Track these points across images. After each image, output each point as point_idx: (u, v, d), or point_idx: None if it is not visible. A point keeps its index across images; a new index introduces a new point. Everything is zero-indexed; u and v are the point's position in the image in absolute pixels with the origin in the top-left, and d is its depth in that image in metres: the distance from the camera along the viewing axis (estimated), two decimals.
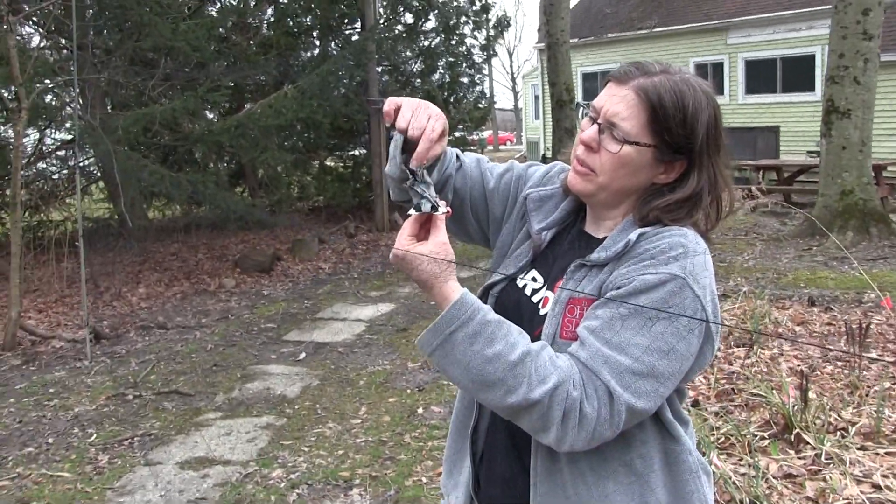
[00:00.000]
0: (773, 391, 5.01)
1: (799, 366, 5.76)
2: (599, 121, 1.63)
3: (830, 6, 11.96)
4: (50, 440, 5.59)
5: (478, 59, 18.31)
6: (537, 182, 1.92)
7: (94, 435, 5.65)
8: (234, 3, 15.61)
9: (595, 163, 1.64)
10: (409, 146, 1.72)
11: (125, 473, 4.99)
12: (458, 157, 1.97)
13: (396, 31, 17.01)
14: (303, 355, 7.52)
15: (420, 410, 5.85)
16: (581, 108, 1.73)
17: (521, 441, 1.71)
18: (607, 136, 1.61)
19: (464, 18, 17.56)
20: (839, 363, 5.83)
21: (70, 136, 11.78)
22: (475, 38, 18.25)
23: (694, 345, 1.52)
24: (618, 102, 1.61)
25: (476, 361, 1.48)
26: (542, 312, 1.68)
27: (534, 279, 1.77)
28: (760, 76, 21.95)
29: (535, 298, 1.74)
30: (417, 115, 1.68)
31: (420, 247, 1.58)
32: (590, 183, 1.66)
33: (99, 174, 13.33)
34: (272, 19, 15.69)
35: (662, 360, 1.47)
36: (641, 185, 1.66)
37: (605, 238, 1.68)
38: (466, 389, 1.54)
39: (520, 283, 1.79)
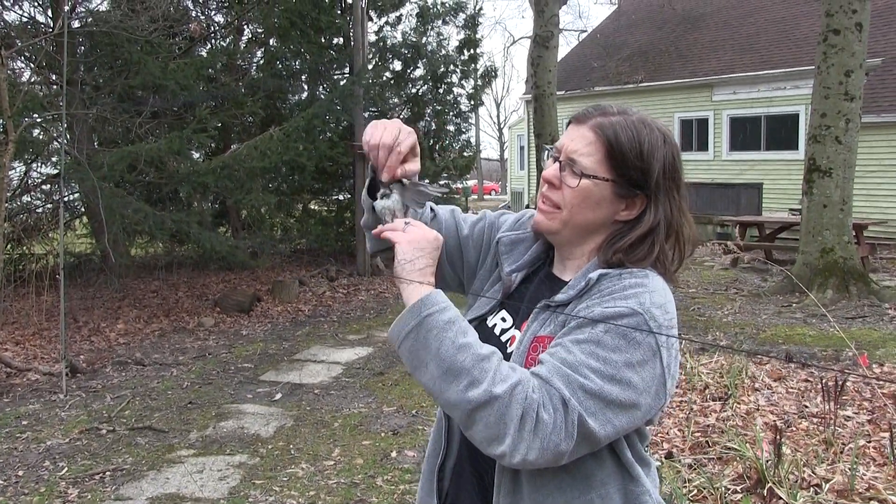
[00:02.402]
0: (747, 445, 5.01)
1: (774, 421, 5.77)
2: (560, 158, 1.71)
3: (814, 66, 12.13)
4: (20, 473, 5.54)
5: (464, 108, 18.47)
6: (510, 227, 1.99)
7: (66, 468, 5.61)
8: (225, 45, 15.71)
9: (558, 198, 1.71)
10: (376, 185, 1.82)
11: None
12: (432, 209, 2.03)
13: (385, 78, 17.16)
14: (279, 396, 7.49)
15: (394, 454, 5.83)
16: (546, 151, 1.78)
17: (486, 480, 1.74)
18: (568, 172, 1.69)
19: (452, 67, 17.74)
20: (815, 419, 5.84)
21: (56, 171, 11.78)
22: (463, 87, 18.43)
23: (647, 380, 1.52)
24: (577, 140, 1.69)
25: (447, 347, 1.51)
26: (509, 350, 1.72)
27: (503, 319, 1.82)
28: (745, 133, 22.15)
29: (503, 337, 1.78)
30: (387, 132, 1.74)
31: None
32: (554, 220, 1.72)
33: (83, 209, 13.31)
34: (262, 62, 15.78)
35: (614, 386, 1.49)
36: (604, 221, 1.71)
37: (570, 280, 1.72)
38: (432, 384, 1.54)
39: (490, 322, 1.84)
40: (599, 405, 1.48)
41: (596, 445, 1.53)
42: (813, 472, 4.74)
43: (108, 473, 5.52)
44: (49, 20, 12.41)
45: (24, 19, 12.46)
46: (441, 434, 1.89)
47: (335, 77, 16.64)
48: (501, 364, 1.51)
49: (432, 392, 1.55)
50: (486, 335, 1.80)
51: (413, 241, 1.68)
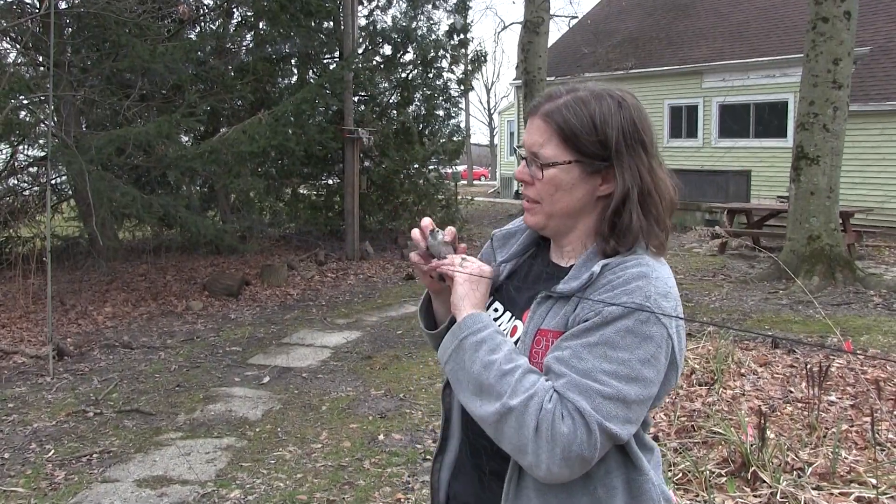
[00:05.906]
0: (732, 429, 5.04)
1: (759, 405, 5.81)
2: (524, 155, 1.74)
3: (803, 55, 12.14)
4: (6, 455, 5.54)
5: (454, 93, 18.44)
6: (500, 227, 2.02)
7: (52, 451, 5.61)
8: (214, 28, 15.65)
9: (534, 193, 1.73)
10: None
11: (81, 490, 4.95)
12: None
13: (374, 62, 17.14)
14: (267, 379, 7.50)
15: (381, 437, 5.84)
16: (516, 151, 1.82)
17: (486, 473, 1.78)
18: (534, 166, 1.71)
19: (442, 52, 17.70)
20: (799, 404, 5.88)
21: (43, 153, 11.72)
22: (452, 72, 18.41)
23: (661, 370, 1.56)
24: (533, 133, 1.72)
25: (477, 366, 1.59)
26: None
27: (496, 310, 1.84)
28: (734, 120, 22.19)
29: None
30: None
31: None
32: (538, 215, 1.75)
33: (71, 192, 13.25)
34: (251, 45, 15.73)
35: (630, 385, 1.51)
36: (585, 202, 1.71)
37: (570, 267, 1.73)
38: (467, 401, 1.63)
39: None
40: (620, 407, 1.51)
41: (619, 443, 1.57)
42: (796, 456, 4.77)
43: (94, 456, 5.52)
44: (35, 1, 12.33)
45: None
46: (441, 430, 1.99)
47: (325, 61, 16.62)
48: (525, 376, 1.55)
49: (470, 411, 1.63)
50: None
51: (469, 277, 1.74)
